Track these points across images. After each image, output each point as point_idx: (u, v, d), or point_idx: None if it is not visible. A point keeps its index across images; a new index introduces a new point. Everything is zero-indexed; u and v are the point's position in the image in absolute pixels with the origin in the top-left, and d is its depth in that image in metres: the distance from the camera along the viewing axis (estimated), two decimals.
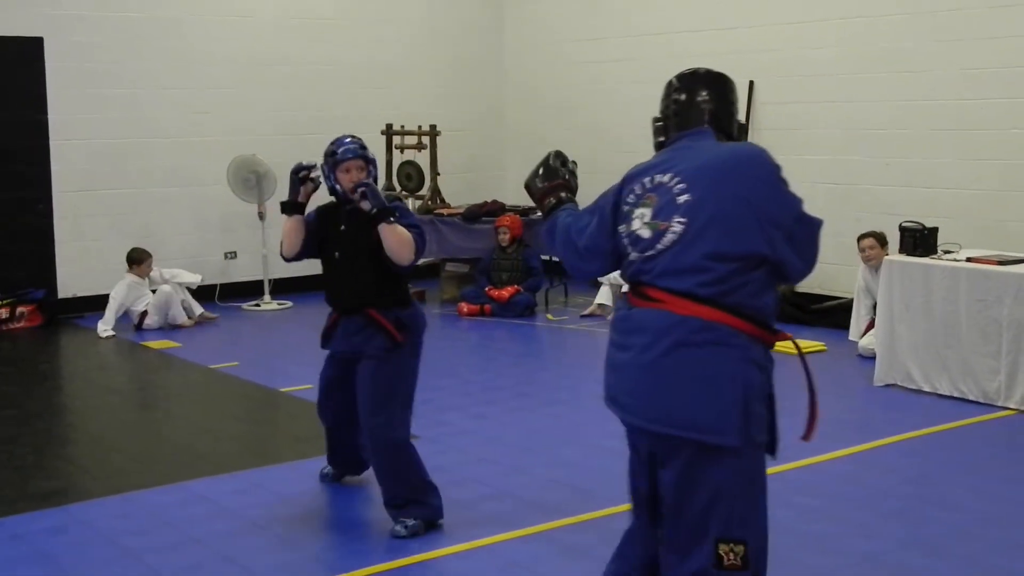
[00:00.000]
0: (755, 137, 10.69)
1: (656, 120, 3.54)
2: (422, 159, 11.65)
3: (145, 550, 4.92)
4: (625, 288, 3.39)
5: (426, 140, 11.57)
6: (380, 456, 5.03)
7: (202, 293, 10.75)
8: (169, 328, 9.94)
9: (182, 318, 10.03)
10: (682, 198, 3.19)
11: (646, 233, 3.23)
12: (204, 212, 11.37)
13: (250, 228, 11.31)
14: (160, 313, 9.95)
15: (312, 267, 12.91)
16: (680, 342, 3.11)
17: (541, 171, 3.76)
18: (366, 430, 5.04)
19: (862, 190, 9.80)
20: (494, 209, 11.11)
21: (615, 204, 3.38)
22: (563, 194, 3.70)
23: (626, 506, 5.01)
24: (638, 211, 3.27)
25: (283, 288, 11.54)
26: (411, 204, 11.45)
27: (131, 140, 10.91)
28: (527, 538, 4.96)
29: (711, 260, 3.11)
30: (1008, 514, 5.23)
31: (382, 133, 11.68)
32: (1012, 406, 6.93)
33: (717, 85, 3.47)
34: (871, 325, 8.29)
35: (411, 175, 11.65)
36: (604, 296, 10.30)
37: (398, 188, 11.61)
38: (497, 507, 5.38)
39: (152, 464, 6.27)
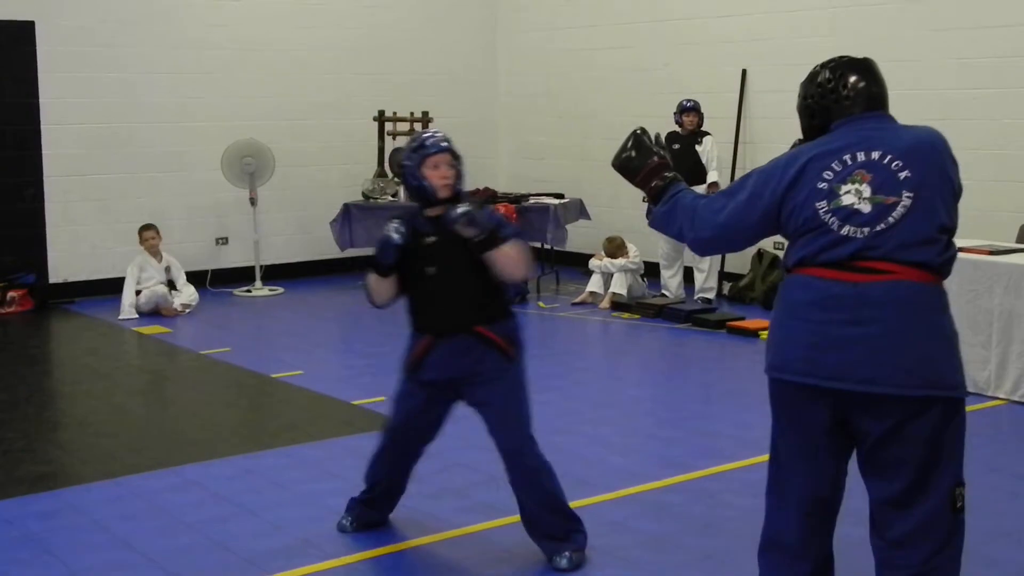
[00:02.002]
0: (748, 125, 10.71)
1: (808, 104, 3.53)
2: None
3: (136, 535, 4.92)
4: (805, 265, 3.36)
5: (418, 127, 11.57)
6: (530, 485, 4.54)
7: (195, 278, 10.74)
8: (154, 315, 9.95)
9: (167, 307, 10.03)
10: (903, 174, 3.28)
11: (866, 208, 3.27)
12: (195, 197, 11.36)
13: (241, 214, 11.30)
14: (151, 303, 9.96)
15: (303, 253, 12.97)
16: (927, 307, 3.26)
17: (633, 151, 3.71)
18: (508, 460, 4.55)
19: None
20: (486, 197, 11.11)
21: (792, 181, 3.37)
22: (668, 174, 3.68)
23: (615, 493, 5.03)
24: (848, 187, 3.30)
25: (274, 274, 11.54)
26: (402, 191, 11.44)
27: (122, 125, 10.89)
28: (518, 525, 4.96)
29: (940, 232, 3.28)
30: (995, 503, 5.25)
31: (374, 119, 11.68)
32: (1002, 396, 6.96)
33: (875, 72, 3.59)
34: None
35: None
36: (595, 284, 10.32)
37: (390, 175, 11.60)
38: (488, 494, 5.40)
39: (143, 449, 6.27)
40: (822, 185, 3.32)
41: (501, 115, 13.26)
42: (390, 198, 11.39)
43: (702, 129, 10.13)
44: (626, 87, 11.78)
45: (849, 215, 3.27)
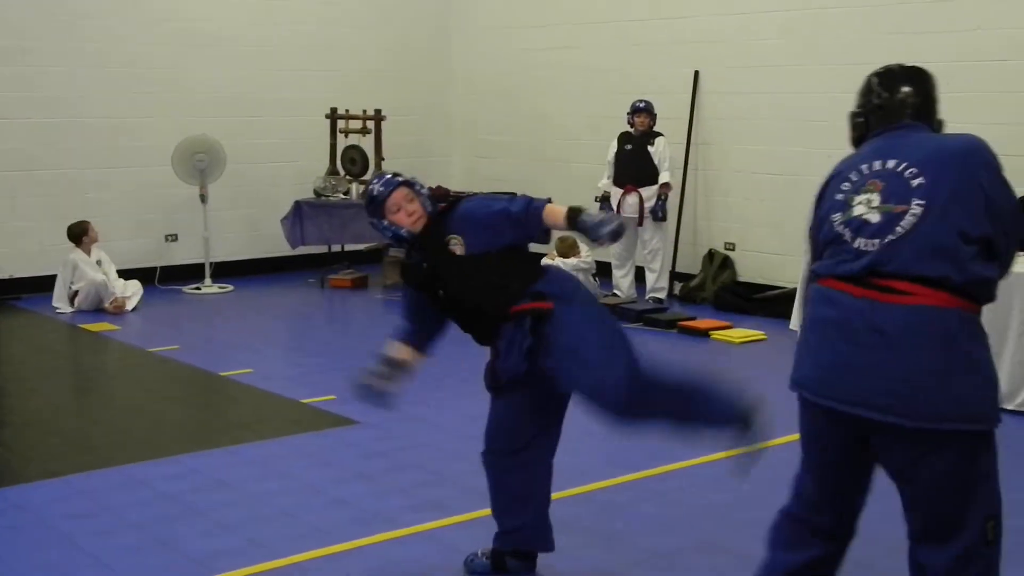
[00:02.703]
0: (700, 127, 10.76)
1: (855, 115, 3.50)
2: (367, 143, 11.60)
3: (81, 534, 4.87)
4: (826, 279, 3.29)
5: (371, 124, 11.52)
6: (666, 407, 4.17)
7: (142, 275, 10.64)
8: (96, 311, 9.85)
9: (110, 298, 9.93)
10: (916, 181, 3.15)
11: (875, 217, 3.17)
12: (144, 193, 11.24)
13: (191, 210, 11.20)
14: (89, 300, 9.86)
15: (253, 251, 12.86)
16: (950, 337, 3.09)
17: None
18: (616, 403, 4.06)
19: (805, 180, 9.87)
20: (439, 195, 11.06)
21: (819, 197, 3.36)
22: None
23: (564, 492, 5.03)
24: (860, 197, 3.22)
25: (224, 271, 11.45)
26: (354, 189, 11.41)
27: (68, 119, 10.74)
28: (468, 523, 4.96)
29: (962, 241, 3.09)
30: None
31: (326, 116, 11.62)
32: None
33: (920, 80, 3.47)
34: None
35: (355, 159, 11.59)
36: None
37: (342, 172, 11.55)
38: (438, 492, 5.39)
39: (89, 447, 6.20)
40: (839, 197, 3.29)
41: (455, 113, 13.24)
42: (342, 196, 11.33)
43: (654, 130, 10.16)
44: (580, 87, 11.80)
45: (860, 226, 3.19)
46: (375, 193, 4.34)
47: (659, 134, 10.16)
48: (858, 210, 3.21)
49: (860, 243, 3.19)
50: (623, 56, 11.39)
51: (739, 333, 8.90)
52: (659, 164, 10.08)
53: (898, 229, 3.13)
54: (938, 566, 3.23)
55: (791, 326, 8.88)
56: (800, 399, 3.39)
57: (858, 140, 3.48)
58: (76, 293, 9.92)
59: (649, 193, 10.04)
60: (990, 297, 3.19)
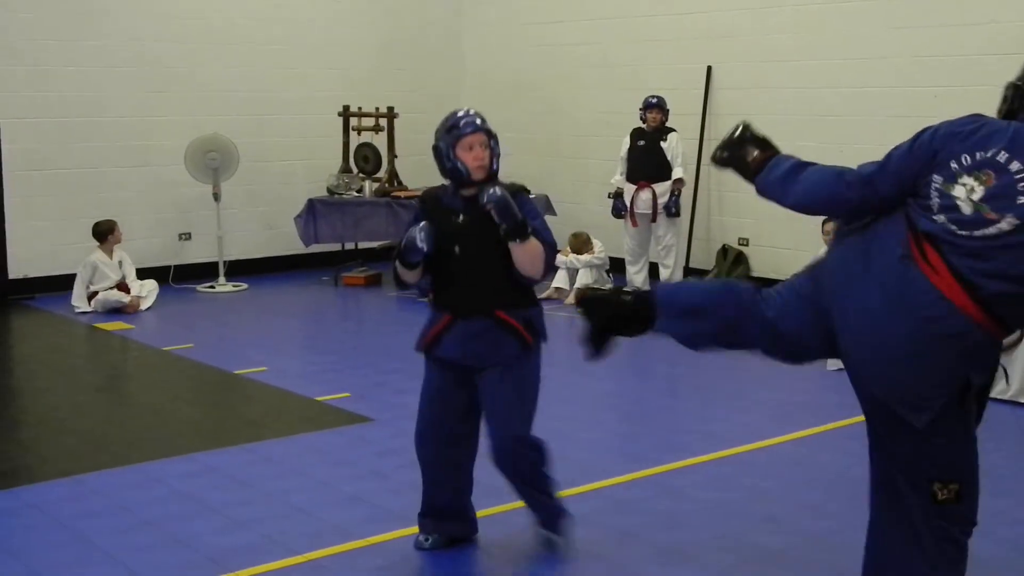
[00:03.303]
0: (712, 122, 10.75)
1: (1015, 84, 3.30)
2: (379, 141, 11.61)
3: (97, 533, 4.88)
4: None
5: (383, 122, 11.53)
6: (520, 471, 4.51)
7: (156, 274, 10.67)
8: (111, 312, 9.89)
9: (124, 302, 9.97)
10: (1022, 199, 3.05)
11: (967, 210, 3.11)
12: (158, 192, 11.27)
13: (205, 209, 11.22)
14: (104, 306, 9.90)
15: (267, 249, 12.88)
16: (949, 345, 3.12)
17: (750, 140, 3.65)
18: (499, 443, 4.42)
19: None
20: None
21: (933, 155, 3.21)
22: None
23: (578, 488, 5.04)
24: (968, 180, 3.13)
25: (238, 270, 11.47)
26: (367, 187, 11.42)
27: (83, 119, 10.77)
28: (480, 520, 4.96)
29: (1020, 279, 3.04)
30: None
31: (339, 114, 11.63)
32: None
33: None
34: None
35: (368, 157, 11.60)
36: (561, 280, 10.31)
37: (355, 170, 11.56)
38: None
39: (105, 446, 6.22)
40: (953, 165, 3.16)
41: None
42: (355, 193, 11.34)
43: (667, 126, 10.15)
44: (592, 83, 11.79)
45: (950, 206, 3.13)
46: (461, 124, 4.39)
47: (672, 130, 10.15)
48: (958, 192, 3.13)
49: (940, 218, 3.14)
50: (635, 52, 11.38)
51: None
52: (672, 160, 10.07)
53: (976, 233, 3.08)
54: None
55: None
56: None
57: (1007, 113, 3.28)
58: (95, 294, 9.94)
59: (662, 189, 10.03)
60: (1018, 325, 3.23)
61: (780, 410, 6.83)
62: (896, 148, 3.32)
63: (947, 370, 3.17)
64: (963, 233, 3.10)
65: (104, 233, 10.13)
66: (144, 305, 10.04)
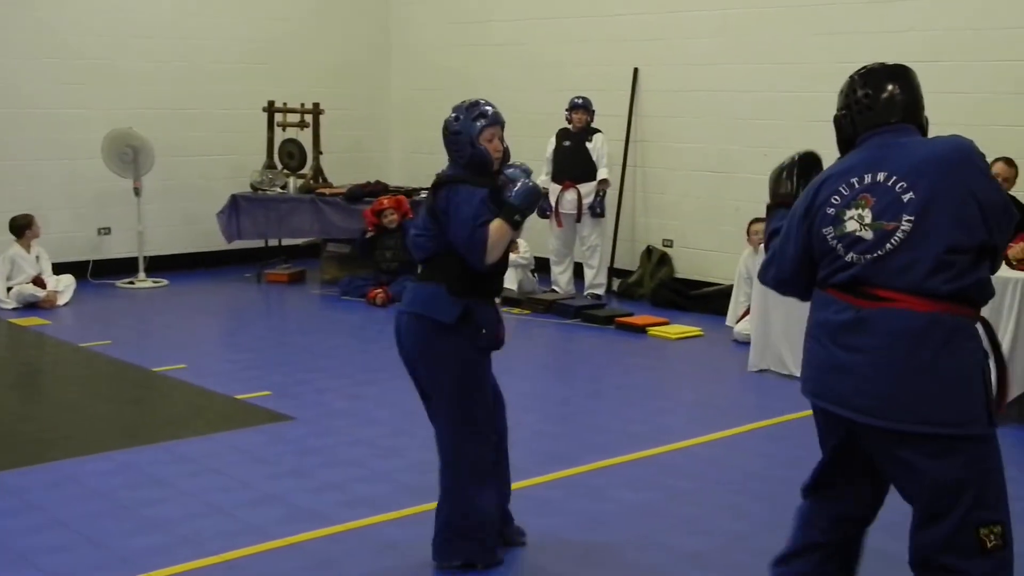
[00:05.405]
0: (639, 124, 10.81)
1: (840, 117, 3.44)
2: (304, 137, 11.52)
3: (8, 533, 4.78)
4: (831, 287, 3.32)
5: (309, 118, 11.44)
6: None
7: (75, 269, 10.48)
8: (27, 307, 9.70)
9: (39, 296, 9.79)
10: (907, 196, 3.16)
11: (868, 234, 3.19)
12: (77, 187, 11.06)
13: (125, 204, 11.04)
14: (20, 299, 9.71)
15: (188, 245, 12.69)
16: (929, 341, 3.13)
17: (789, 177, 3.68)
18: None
19: (741, 178, 9.98)
20: (377, 190, 11.02)
21: (805, 210, 3.34)
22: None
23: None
24: (852, 212, 3.23)
25: (159, 266, 11.32)
26: (292, 183, 11.32)
27: (0, 112, 10.55)
28: (401, 520, 4.95)
29: (949, 254, 3.12)
30: None
31: (264, 110, 11.52)
32: None
33: (905, 78, 3.39)
34: (748, 311, 8.45)
35: (293, 153, 11.51)
36: (509, 280, 10.28)
37: (280, 166, 11.46)
38: (371, 489, 5.36)
39: (18, 444, 6.09)
40: (830, 211, 3.28)
41: (393, 109, 13.18)
42: (279, 189, 11.24)
43: (592, 126, 10.19)
44: (519, 83, 11.79)
45: (853, 242, 3.23)
46: (489, 113, 4.47)
47: (597, 131, 10.19)
48: (850, 226, 3.23)
49: (852, 257, 3.23)
50: (563, 52, 11.41)
51: (676, 329, 8.94)
52: (597, 160, 10.10)
53: (887, 246, 3.17)
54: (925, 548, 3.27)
55: (727, 322, 8.96)
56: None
57: (845, 143, 3.44)
58: (10, 289, 9.75)
59: (587, 189, 10.06)
60: (986, 295, 3.24)
61: (700, 411, 6.88)
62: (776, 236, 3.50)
63: (966, 366, 3.17)
64: (880, 254, 3.19)
65: (22, 228, 9.94)
66: (61, 300, 9.87)
